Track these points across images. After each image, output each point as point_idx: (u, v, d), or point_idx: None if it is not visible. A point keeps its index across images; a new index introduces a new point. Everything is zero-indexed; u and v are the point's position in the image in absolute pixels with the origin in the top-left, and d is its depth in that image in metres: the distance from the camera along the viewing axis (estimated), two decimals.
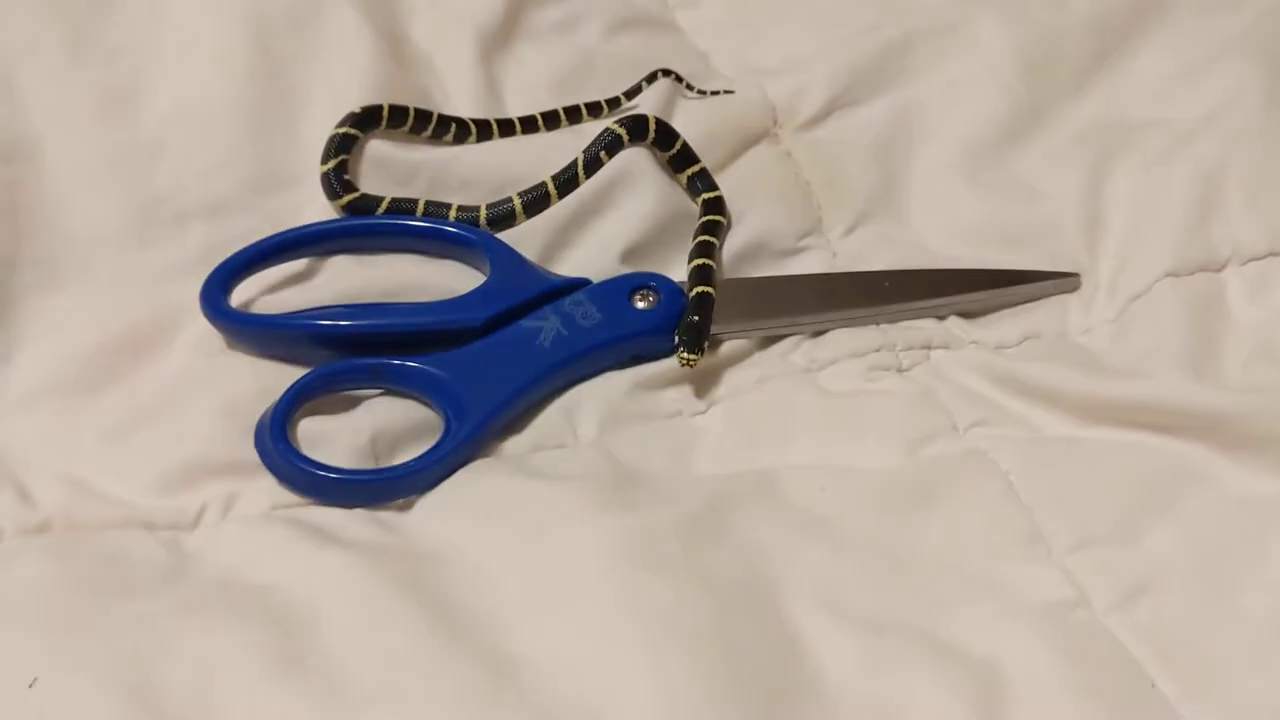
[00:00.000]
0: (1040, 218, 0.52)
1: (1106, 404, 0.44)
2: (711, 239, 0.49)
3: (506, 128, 0.54)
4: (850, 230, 0.52)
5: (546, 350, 0.46)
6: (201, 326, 0.47)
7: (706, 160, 0.53)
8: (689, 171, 0.52)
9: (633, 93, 0.56)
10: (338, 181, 0.50)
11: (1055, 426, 0.45)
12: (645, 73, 0.57)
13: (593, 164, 0.50)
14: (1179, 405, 0.43)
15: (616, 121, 0.51)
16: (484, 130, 0.53)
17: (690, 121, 0.54)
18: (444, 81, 0.56)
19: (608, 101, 0.55)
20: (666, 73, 0.56)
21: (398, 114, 0.52)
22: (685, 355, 0.45)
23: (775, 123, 0.55)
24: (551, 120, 0.54)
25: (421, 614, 0.38)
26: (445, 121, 0.53)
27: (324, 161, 0.51)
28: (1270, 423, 0.42)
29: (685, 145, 0.52)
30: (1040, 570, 0.40)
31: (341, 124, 0.51)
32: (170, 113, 0.53)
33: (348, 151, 0.51)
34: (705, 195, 0.51)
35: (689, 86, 0.56)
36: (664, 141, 0.52)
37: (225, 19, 0.55)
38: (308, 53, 0.54)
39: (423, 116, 0.53)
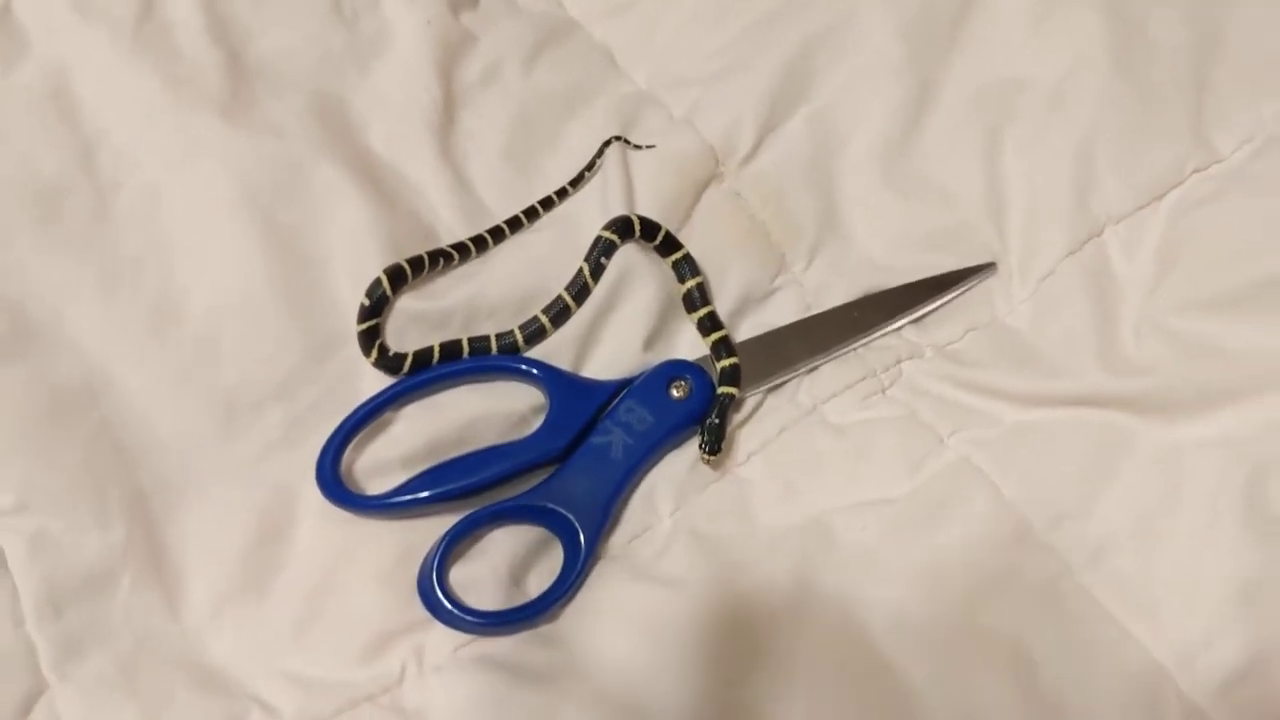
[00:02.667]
0: (953, 215, 0.62)
1: (1044, 397, 0.58)
2: (724, 334, 0.59)
3: (481, 244, 0.61)
4: (810, 263, 0.62)
5: (621, 461, 0.57)
6: (313, 494, 0.56)
7: (672, 218, 0.61)
8: (673, 257, 0.60)
9: (576, 181, 0.63)
10: (387, 360, 0.58)
11: (1010, 414, 0.57)
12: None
13: (597, 271, 0.59)
14: (1096, 395, 0.57)
15: (606, 228, 0.59)
16: (464, 252, 0.61)
17: (647, 182, 0.62)
18: (422, 193, 0.62)
19: (557, 193, 0.63)
20: (610, 142, 0.63)
21: (397, 275, 0.59)
22: (707, 457, 0.56)
23: (718, 163, 0.63)
24: (515, 225, 0.62)
25: None
26: (435, 257, 0.60)
27: (366, 355, 0.58)
28: (1164, 397, 0.56)
29: (668, 233, 0.60)
30: (1032, 554, 0.54)
31: (361, 320, 0.58)
32: (211, 312, 0.58)
33: (379, 335, 0.58)
34: (689, 283, 0.60)
35: (624, 141, 0.63)
36: (648, 234, 0.60)
37: (221, 206, 0.59)
38: (308, 219, 0.60)
39: (416, 263, 0.59)
